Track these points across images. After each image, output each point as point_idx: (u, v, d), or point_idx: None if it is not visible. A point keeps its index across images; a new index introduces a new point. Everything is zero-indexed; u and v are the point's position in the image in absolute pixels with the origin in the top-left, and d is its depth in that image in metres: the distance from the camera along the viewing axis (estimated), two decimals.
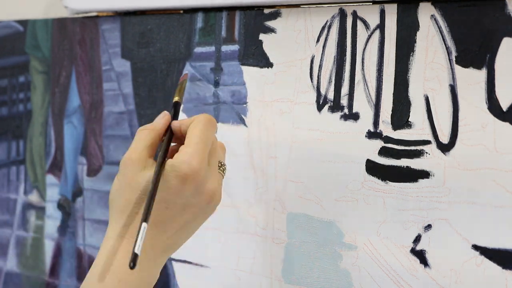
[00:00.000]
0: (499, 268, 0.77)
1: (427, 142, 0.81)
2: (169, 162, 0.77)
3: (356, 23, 0.86)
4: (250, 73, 0.95)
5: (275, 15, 0.93)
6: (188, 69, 1.02)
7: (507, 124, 0.76)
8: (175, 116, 0.83)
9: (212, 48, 0.99)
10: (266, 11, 0.93)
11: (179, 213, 0.78)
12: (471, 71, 0.78)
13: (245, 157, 0.96)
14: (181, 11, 1.02)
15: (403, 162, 0.83)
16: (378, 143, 0.85)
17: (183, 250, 1.02)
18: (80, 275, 1.16)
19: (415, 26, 0.81)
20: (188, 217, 0.79)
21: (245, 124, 0.96)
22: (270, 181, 0.93)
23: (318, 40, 0.89)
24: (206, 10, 0.99)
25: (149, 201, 0.75)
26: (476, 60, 0.78)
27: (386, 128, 0.84)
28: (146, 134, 0.80)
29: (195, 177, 0.76)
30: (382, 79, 0.84)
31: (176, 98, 0.85)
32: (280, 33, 0.92)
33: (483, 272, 0.77)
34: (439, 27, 0.80)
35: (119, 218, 0.78)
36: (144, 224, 0.73)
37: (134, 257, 0.71)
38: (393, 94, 0.83)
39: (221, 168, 0.81)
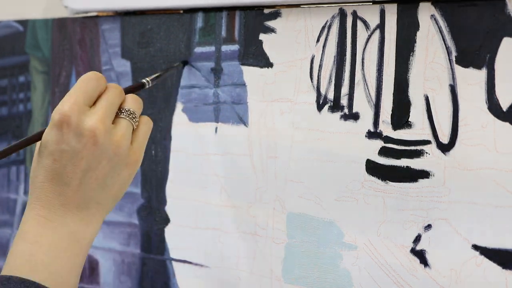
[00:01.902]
0: (499, 268, 0.77)
1: (427, 142, 0.81)
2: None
3: (356, 23, 0.86)
4: (250, 73, 0.95)
5: (275, 15, 0.92)
6: (188, 69, 1.02)
7: (507, 124, 0.76)
8: (131, 90, 0.88)
9: (212, 48, 0.99)
10: (266, 11, 0.93)
11: (70, 162, 0.78)
12: (471, 71, 0.78)
13: (245, 157, 0.96)
14: (181, 11, 1.02)
15: (403, 162, 0.83)
16: (378, 143, 0.85)
17: (183, 250, 1.03)
18: (80, 275, 1.15)
19: (415, 26, 0.81)
20: (86, 166, 0.79)
21: (245, 124, 0.96)
22: (270, 181, 0.93)
23: (318, 40, 0.89)
24: (206, 10, 0.99)
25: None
26: (476, 60, 0.77)
27: (386, 128, 0.84)
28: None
29: (68, 121, 0.78)
30: (382, 79, 0.84)
31: (146, 79, 0.92)
32: (280, 33, 0.92)
33: (483, 272, 0.77)
34: (439, 27, 0.80)
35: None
36: None
37: None
38: (393, 94, 0.83)
39: (124, 114, 0.82)
